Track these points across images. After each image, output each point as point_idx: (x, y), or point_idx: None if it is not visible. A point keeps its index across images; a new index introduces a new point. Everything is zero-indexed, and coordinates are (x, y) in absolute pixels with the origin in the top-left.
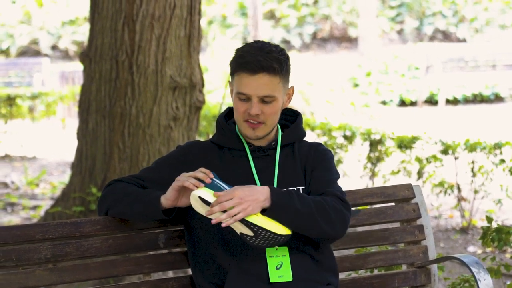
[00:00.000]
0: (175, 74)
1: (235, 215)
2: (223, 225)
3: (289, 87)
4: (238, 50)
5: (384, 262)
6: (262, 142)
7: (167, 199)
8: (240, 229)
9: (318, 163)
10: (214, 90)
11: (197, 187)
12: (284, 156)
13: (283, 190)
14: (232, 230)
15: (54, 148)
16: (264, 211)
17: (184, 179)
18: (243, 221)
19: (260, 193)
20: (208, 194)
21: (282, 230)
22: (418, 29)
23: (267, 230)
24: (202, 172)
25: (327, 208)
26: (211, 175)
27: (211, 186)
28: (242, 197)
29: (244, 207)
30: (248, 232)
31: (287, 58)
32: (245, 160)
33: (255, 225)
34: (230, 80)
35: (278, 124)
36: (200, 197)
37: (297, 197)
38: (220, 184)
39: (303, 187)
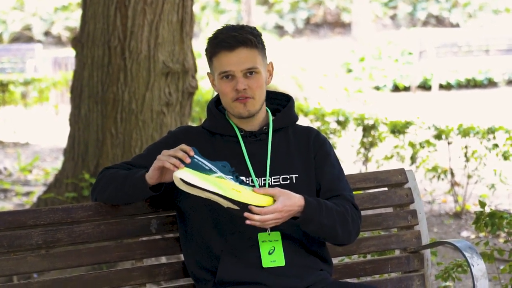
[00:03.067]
0: (168, 60)
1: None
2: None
3: (267, 63)
4: (210, 37)
5: (377, 247)
6: (253, 127)
7: (150, 177)
8: (226, 204)
9: (324, 157)
10: None
11: (178, 168)
12: (277, 141)
13: (314, 201)
14: (225, 215)
15: (47, 134)
16: (294, 219)
17: (164, 159)
18: (227, 199)
19: (297, 206)
20: (189, 176)
21: (265, 202)
22: (412, 14)
23: (251, 205)
24: (182, 150)
25: (348, 220)
26: (192, 153)
27: (192, 165)
28: (282, 212)
29: (278, 220)
30: (234, 206)
31: (260, 33)
32: (237, 146)
33: (239, 202)
34: (209, 71)
35: (268, 109)
36: (181, 179)
37: (325, 210)
38: (200, 161)
39: (297, 175)
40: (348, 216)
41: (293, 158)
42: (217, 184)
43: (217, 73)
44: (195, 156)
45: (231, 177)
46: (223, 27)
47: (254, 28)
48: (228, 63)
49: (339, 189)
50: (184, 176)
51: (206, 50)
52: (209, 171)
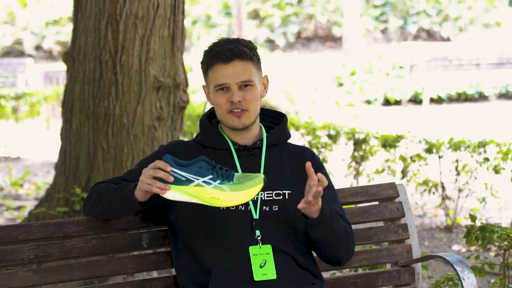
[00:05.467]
0: (159, 74)
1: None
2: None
3: (262, 76)
4: (206, 49)
5: (368, 261)
6: (247, 141)
7: (140, 197)
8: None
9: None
10: (198, 90)
11: (165, 190)
12: (270, 157)
13: (328, 208)
14: (216, 228)
15: (38, 149)
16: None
17: (149, 182)
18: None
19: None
20: (175, 194)
21: (248, 196)
22: (402, 28)
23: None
24: (161, 169)
25: (349, 237)
26: (168, 168)
27: (174, 182)
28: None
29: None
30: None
31: (255, 47)
32: (230, 159)
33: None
34: (204, 83)
35: (262, 125)
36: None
37: (337, 219)
38: (176, 174)
39: (290, 191)
40: (350, 234)
41: (286, 175)
42: (198, 196)
43: (212, 85)
44: (173, 169)
45: (211, 176)
46: (219, 40)
47: (250, 42)
48: (224, 76)
49: (337, 211)
50: (170, 196)
51: (202, 62)
52: (187, 182)
